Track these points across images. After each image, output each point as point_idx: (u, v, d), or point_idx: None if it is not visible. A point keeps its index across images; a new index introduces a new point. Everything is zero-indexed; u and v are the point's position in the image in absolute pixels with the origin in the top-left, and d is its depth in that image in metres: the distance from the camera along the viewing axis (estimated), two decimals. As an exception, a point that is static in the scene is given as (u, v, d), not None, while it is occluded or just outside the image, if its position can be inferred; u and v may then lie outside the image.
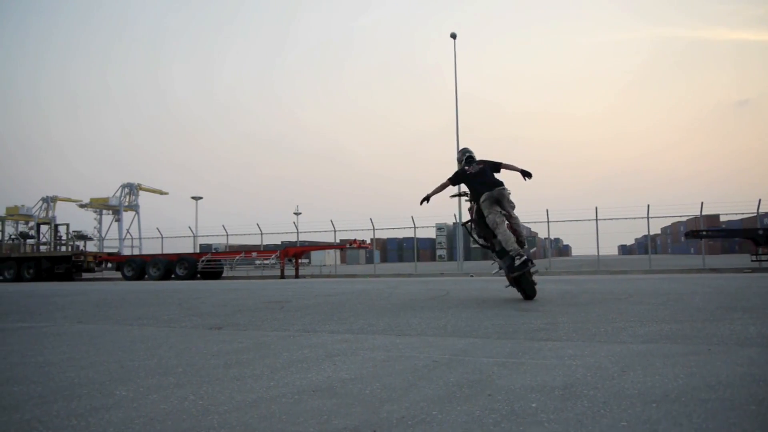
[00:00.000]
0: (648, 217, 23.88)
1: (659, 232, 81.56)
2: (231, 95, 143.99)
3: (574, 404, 2.28)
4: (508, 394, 2.47)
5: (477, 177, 7.54)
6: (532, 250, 7.37)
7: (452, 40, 27.92)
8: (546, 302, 6.87)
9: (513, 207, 7.33)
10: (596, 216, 24.45)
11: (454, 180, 7.82)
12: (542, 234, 37.19)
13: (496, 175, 7.56)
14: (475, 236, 7.90)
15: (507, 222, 7.22)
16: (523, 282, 7.13)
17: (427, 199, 7.81)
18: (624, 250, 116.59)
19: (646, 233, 24.66)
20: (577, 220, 25.17)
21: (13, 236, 47.99)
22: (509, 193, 7.33)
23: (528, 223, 35.53)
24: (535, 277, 7.36)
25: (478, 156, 7.93)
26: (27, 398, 2.62)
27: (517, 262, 6.87)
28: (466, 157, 7.88)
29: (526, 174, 7.57)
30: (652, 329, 4.39)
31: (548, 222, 25.22)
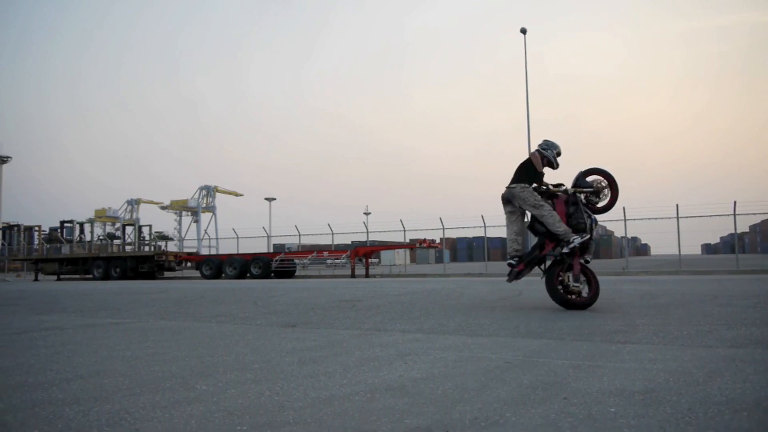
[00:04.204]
0: (734, 215, 22.56)
1: (747, 230, 77.00)
2: (298, 101, 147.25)
3: (656, 410, 2.19)
4: (584, 398, 2.40)
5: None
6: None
7: (522, 35, 27.41)
8: (623, 304, 6.63)
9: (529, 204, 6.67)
10: (677, 213, 23.31)
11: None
12: (619, 233, 35.84)
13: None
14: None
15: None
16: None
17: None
18: (708, 249, 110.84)
19: (733, 231, 23.29)
20: (656, 218, 24.11)
21: (101, 237, 51.00)
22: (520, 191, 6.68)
23: (603, 221, 34.38)
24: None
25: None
26: (116, 390, 2.77)
27: None
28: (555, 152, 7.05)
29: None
30: (741, 333, 4.15)
31: (625, 220, 24.26)
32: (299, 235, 30.77)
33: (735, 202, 22.53)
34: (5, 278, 34.79)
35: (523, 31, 27.33)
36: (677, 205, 23.26)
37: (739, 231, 24.05)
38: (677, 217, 23.34)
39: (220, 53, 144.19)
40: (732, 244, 28.90)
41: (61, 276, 30.52)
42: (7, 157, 67.03)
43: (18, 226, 59.60)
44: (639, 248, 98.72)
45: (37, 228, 59.50)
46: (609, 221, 26.58)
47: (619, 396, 2.41)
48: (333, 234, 29.52)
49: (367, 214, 63.34)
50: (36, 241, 55.08)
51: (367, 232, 30.05)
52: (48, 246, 39.58)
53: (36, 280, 29.97)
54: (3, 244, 50.25)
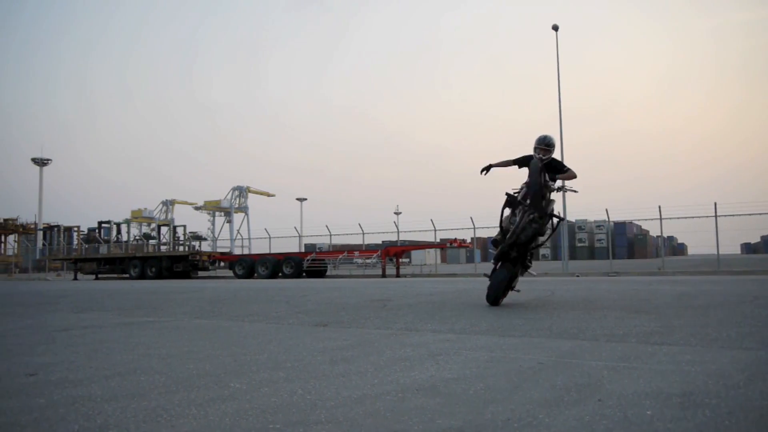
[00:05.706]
0: (775, 213, 21.93)
1: (789, 228, 74.43)
2: (327, 102, 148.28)
3: (695, 413, 2.14)
4: (620, 400, 2.35)
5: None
6: None
7: (554, 32, 27.08)
8: (659, 304, 6.50)
9: None
10: (715, 212, 22.75)
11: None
12: (654, 232, 35.05)
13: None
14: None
15: None
16: None
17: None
18: (748, 248, 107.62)
19: (774, 230, 22.62)
20: (693, 217, 23.56)
21: (137, 237, 52.03)
22: None
23: (638, 220, 33.77)
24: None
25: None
26: (152, 387, 2.83)
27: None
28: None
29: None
30: (783, 335, 4.03)
31: (661, 219, 23.76)
32: (330, 235, 30.94)
33: (776, 200, 21.88)
34: (46, 277, 35.83)
35: (555, 27, 27.00)
36: (715, 204, 22.72)
37: (780, 230, 23.31)
38: (715, 216, 22.78)
39: (241, 54, 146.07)
40: (773, 243, 28.03)
41: (99, 275, 31.27)
42: (48, 160, 68.96)
43: (58, 226, 61.26)
44: (675, 248, 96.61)
45: (76, 228, 61.08)
46: (644, 220, 26.09)
47: (655, 398, 2.36)
48: (364, 234, 29.60)
49: (397, 213, 63.41)
50: (75, 242, 56.55)
51: (398, 232, 30.04)
52: (86, 246, 40.56)
53: (75, 279, 30.78)
54: (44, 245, 51.75)
